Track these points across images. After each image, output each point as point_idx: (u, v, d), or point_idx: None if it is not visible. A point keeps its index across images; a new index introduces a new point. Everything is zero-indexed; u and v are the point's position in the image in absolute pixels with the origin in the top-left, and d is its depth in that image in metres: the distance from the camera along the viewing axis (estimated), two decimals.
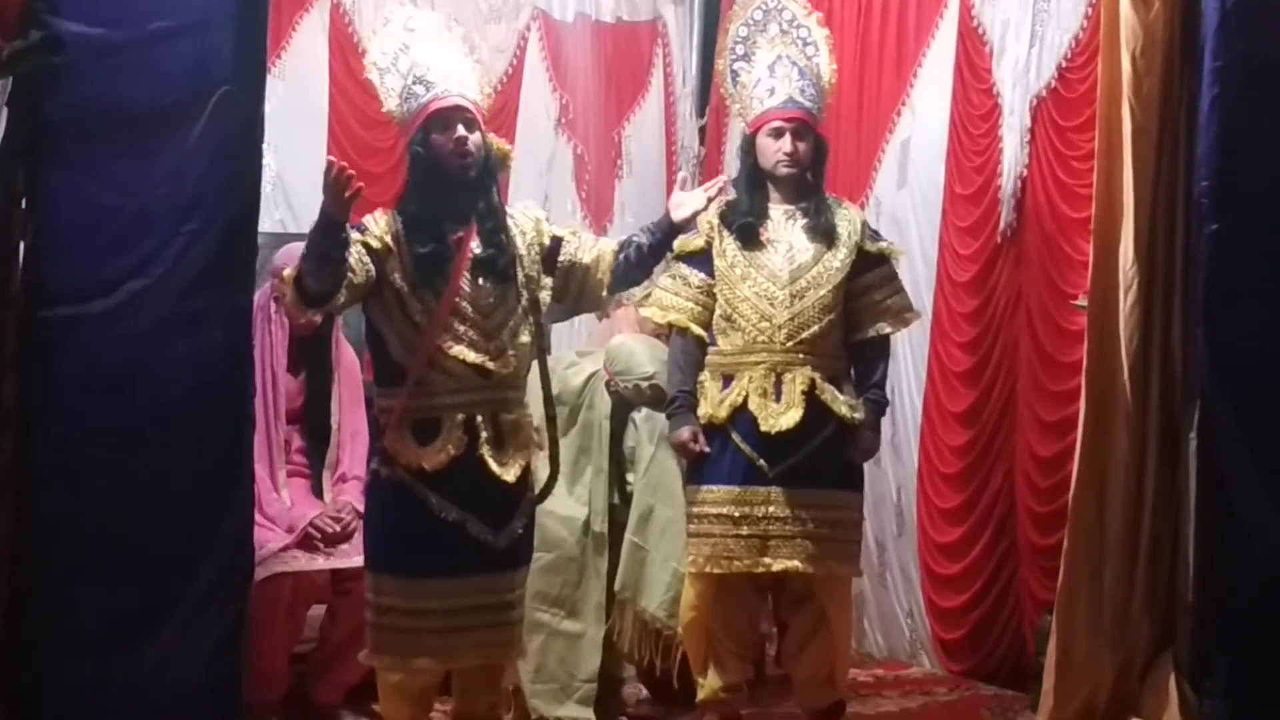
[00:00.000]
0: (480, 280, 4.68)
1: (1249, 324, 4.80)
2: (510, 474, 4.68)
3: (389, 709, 4.87)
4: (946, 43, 6.96)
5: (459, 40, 4.94)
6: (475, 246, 4.69)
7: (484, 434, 4.65)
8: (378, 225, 4.63)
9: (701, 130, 8.46)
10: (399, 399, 4.60)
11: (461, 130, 4.66)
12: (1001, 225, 6.55)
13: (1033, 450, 6.32)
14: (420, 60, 4.73)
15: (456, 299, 4.63)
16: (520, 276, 4.77)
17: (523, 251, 4.81)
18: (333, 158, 4.40)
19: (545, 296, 4.86)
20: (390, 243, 4.60)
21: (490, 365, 4.65)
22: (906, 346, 6.98)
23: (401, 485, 4.59)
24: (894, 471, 7.18)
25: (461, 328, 4.63)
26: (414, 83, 4.70)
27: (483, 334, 4.65)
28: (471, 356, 4.62)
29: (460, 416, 4.62)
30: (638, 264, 4.89)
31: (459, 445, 4.60)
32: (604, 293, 4.91)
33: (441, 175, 4.69)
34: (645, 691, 6.08)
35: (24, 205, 4.05)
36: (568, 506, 5.88)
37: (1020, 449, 6.48)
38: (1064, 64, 6.28)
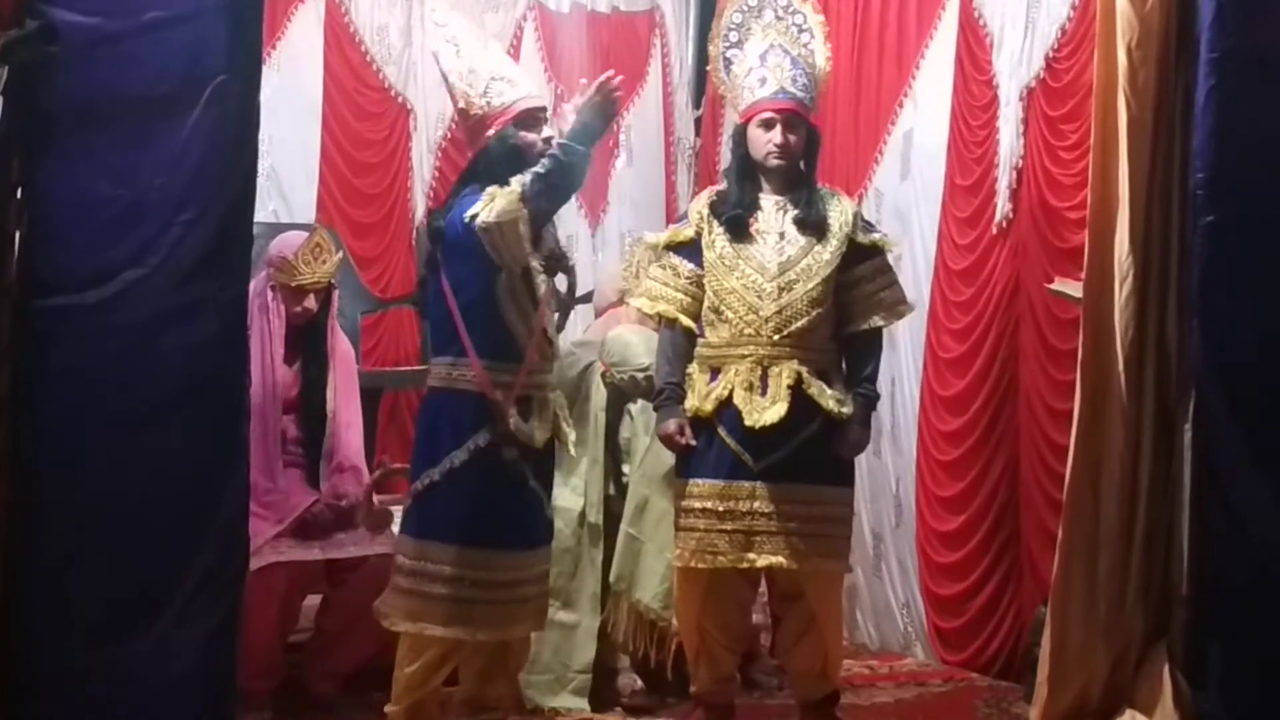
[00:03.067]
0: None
1: (1244, 315, 4.81)
2: (576, 451, 5.18)
3: (414, 680, 4.91)
4: (948, 34, 6.96)
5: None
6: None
7: (561, 413, 5.00)
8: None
9: (698, 121, 8.46)
10: (519, 375, 4.84)
11: (546, 130, 4.97)
12: (997, 216, 6.55)
13: (1048, 438, 6.30)
14: (494, 60, 5.05)
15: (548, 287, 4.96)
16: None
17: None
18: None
19: None
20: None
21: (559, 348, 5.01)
22: (907, 337, 6.99)
23: (513, 463, 4.83)
24: (893, 463, 7.18)
25: (546, 310, 4.90)
26: (495, 79, 4.96)
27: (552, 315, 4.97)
28: (555, 336, 4.97)
29: (552, 394, 4.97)
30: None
31: (550, 423, 4.95)
32: None
33: (524, 168, 4.88)
34: (640, 682, 6.06)
35: (19, 195, 4.04)
36: (563, 498, 5.89)
37: (1026, 438, 6.47)
38: (1052, 54, 6.28)
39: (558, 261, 5.05)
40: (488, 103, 4.94)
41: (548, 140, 4.92)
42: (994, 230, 6.57)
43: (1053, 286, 5.93)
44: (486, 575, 4.79)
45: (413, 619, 4.83)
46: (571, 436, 5.16)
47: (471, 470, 4.81)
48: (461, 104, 5.01)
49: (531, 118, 4.98)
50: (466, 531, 4.82)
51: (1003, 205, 6.52)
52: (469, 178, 5.06)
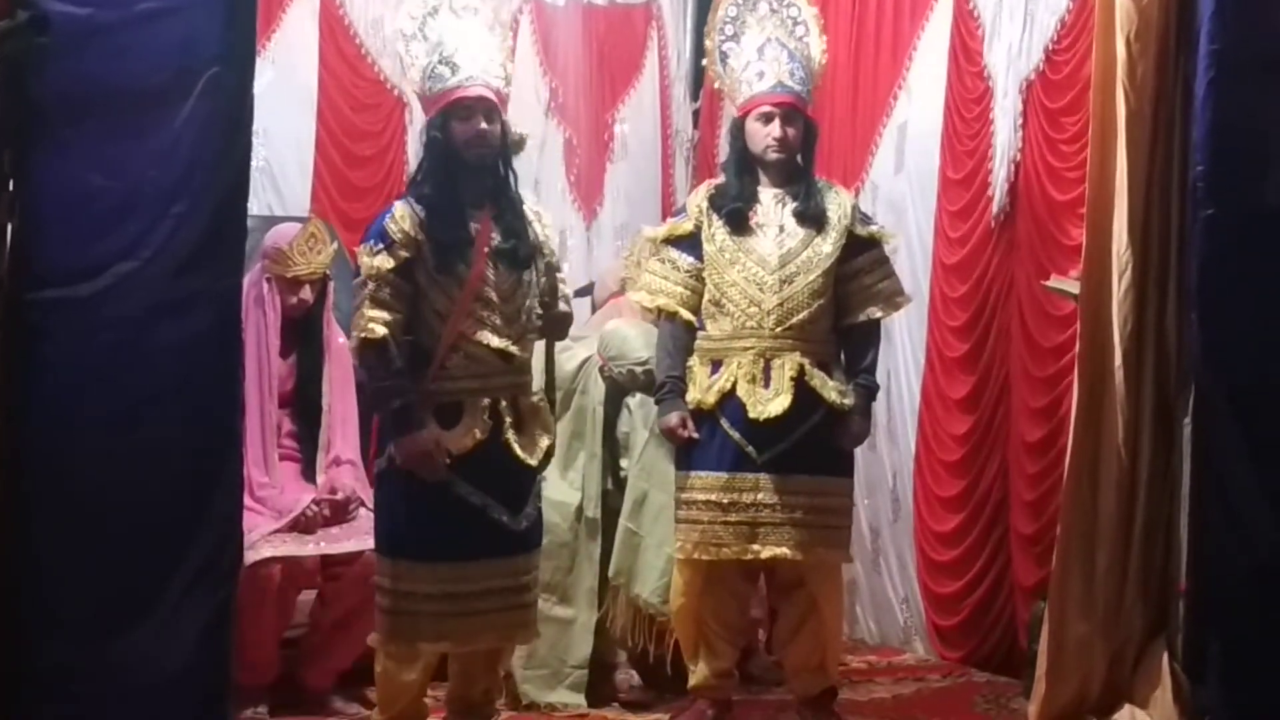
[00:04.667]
0: (500, 266, 4.81)
1: (1243, 309, 4.78)
2: (534, 457, 4.86)
3: (388, 693, 4.91)
4: (941, 25, 6.94)
5: (486, 15, 4.97)
6: (495, 232, 4.82)
7: (507, 418, 4.79)
8: (402, 225, 4.74)
9: (696, 114, 8.44)
10: (421, 383, 4.70)
11: (483, 123, 4.79)
12: (994, 210, 6.52)
13: (1023, 438, 6.31)
14: (447, 38, 4.82)
15: (480, 285, 4.74)
16: (540, 263, 4.95)
17: (542, 238, 4.98)
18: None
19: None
20: (414, 235, 4.72)
21: (512, 350, 4.80)
22: (904, 332, 6.98)
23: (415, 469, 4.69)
24: (890, 457, 7.17)
25: (485, 313, 4.76)
26: (440, 62, 4.81)
27: (504, 319, 4.79)
28: (495, 341, 4.76)
29: (485, 401, 4.75)
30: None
31: (484, 429, 4.74)
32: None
33: (459, 161, 4.81)
34: (637, 677, 6.04)
35: (10, 187, 4.00)
36: (561, 492, 5.89)
37: (1014, 437, 6.46)
38: (1051, 46, 6.25)
39: (525, 256, 4.88)
40: (428, 88, 4.84)
41: (480, 134, 4.78)
42: (991, 224, 6.54)
43: (1049, 283, 5.91)
44: (414, 587, 4.72)
45: (376, 628, 4.85)
46: (543, 442, 4.93)
47: (389, 480, 4.80)
48: (409, 80, 4.97)
49: (463, 107, 4.80)
50: (390, 542, 4.80)
51: (999, 199, 6.50)
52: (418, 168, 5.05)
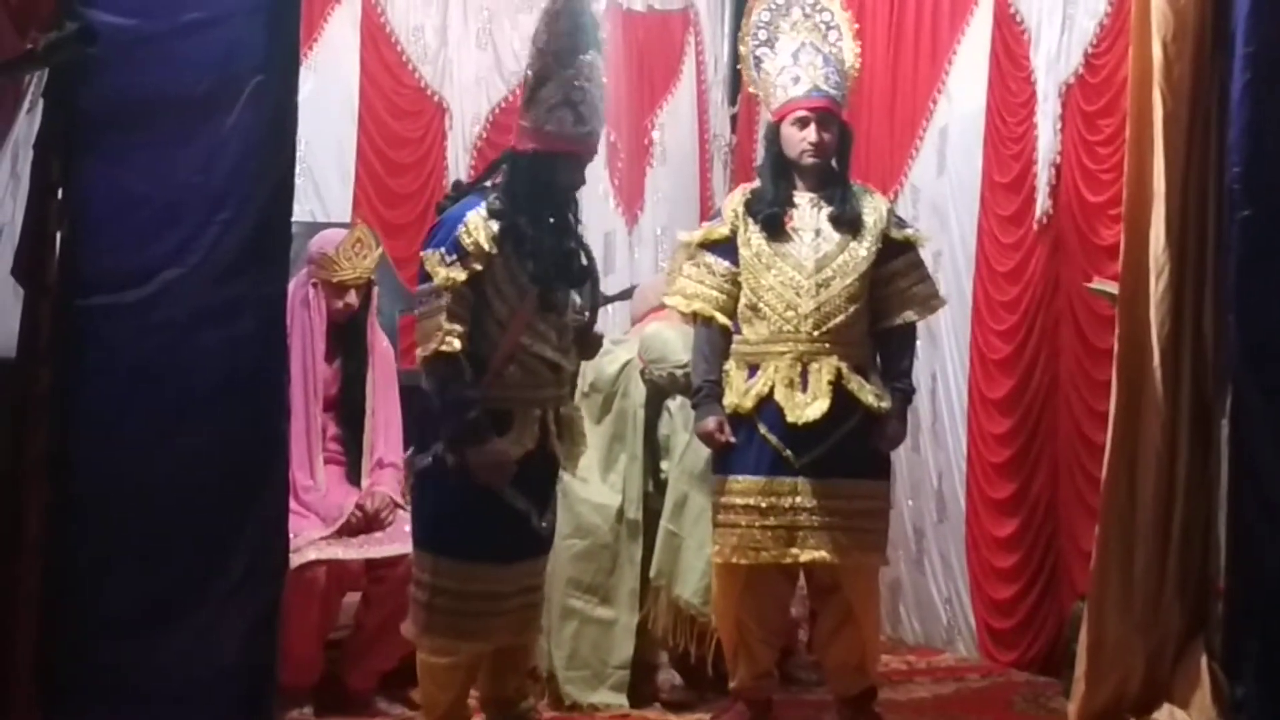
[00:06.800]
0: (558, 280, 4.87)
1: None
2: (572, 467, 4.99)
3: (430, 690, 4.94)
4: (982, 29, 6.95)
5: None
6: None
7: (553, 428, 4.86)
8: (475, 237, 4.74)
9: (733, 118, 8.46)
10: (475, 390, 4.72)
11: (578, 177, 4.90)
12: (1037, 213, 6.54)
13: (1085, 438, 6.28)
14: (575, 89, 4.80)
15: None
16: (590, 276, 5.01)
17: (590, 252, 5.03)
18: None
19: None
20: (486, 248, 4.73)
21: (563, 362, 4.88)
22: (951, 334, 7.00)
23: (470, 473, 4.72)
24: (934, 458, 7.17)
25: (542, 326, 4.81)
26: (563, 103, 4.77)
27: (557, 332, 4.85)
28: (549, 353, 4.82)
29: (536, 411, 4.81)
30: None
31: (534, 439, 4.78)
32: None
33: (541, 192, 4.83)
34: (679, 678, 6.06)
35: (59, 195, 4.06)
36: (602, 494, 5.92)
37: (1064, 439, 6.46)
38: (1090, 49, 6.27)
39: (577, 274, 4.95)
40: (542, 123, 4.78)
41: (575, 185, 4.91)
42: (1035, 227, 6.56)
43: (1092, 285, 5.92)
44: (453, 585, 4.76)
45: (411, 621, 4.90)
46: (580, 452, 5.05)
47: (433, 481, 4.83)
48: (523, 90, 4.90)
49: (575, 160, 4.87)
50: (432, 541, 4.84)
51: (1042, 201, 6.52)
52: (491, 171, 5.06)
